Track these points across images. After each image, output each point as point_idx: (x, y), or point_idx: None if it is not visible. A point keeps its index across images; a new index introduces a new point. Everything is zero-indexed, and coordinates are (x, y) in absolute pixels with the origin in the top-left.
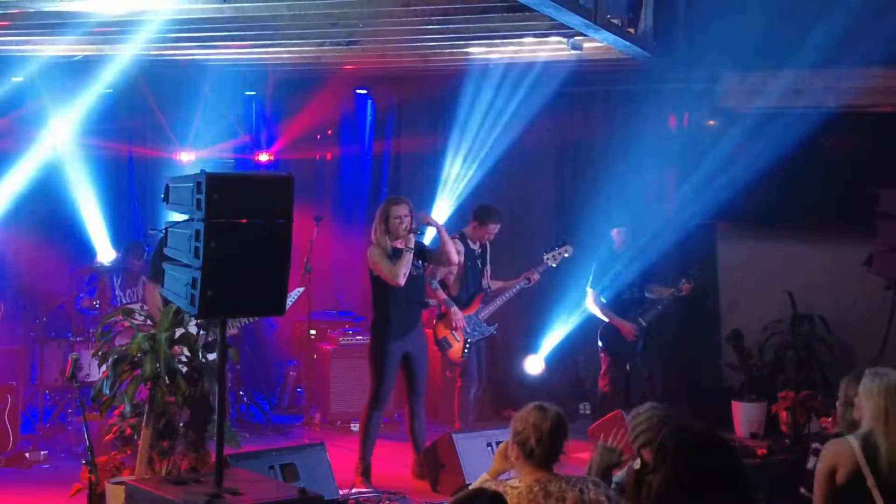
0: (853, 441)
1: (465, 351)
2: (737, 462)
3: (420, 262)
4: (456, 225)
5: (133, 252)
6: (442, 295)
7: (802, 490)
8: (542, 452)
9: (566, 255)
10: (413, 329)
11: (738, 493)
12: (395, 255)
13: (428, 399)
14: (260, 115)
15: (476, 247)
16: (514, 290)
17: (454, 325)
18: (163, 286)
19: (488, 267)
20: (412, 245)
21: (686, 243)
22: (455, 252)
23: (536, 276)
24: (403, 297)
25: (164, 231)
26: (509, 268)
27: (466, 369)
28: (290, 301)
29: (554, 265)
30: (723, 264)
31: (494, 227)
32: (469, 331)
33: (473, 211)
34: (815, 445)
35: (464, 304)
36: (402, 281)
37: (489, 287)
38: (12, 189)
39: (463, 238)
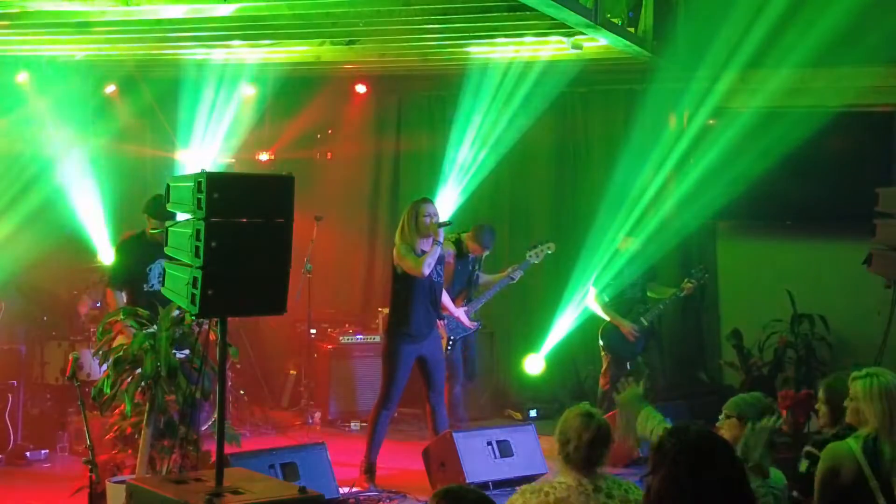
0: (853, 443)
1: (448, 348)
2: (737, 464)
3: (440, 269)
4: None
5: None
6: None
7: (795, 493)
8: (580, 458)
9: (549, 251)
10: (429, 333)
11: (739, 496)
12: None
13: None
14: (260, 114)
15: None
16: (497, 287)
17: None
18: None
19: (480, 274)
20: (441, 238)
21: (686, 243)
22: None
23: (519, 274)
24: (424, 301)
25: (142, 233)
26: (508, 267)
27: (450, 367)
28: None
29: (537, 261)
30: (723, 264)
31: (484, 252)
32: (452, 328)
33: (476, 226)
34: (807, 449)
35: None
36: (426, 271)
37: (475, 288)
38: (12, 189)
39: (459, 242)
